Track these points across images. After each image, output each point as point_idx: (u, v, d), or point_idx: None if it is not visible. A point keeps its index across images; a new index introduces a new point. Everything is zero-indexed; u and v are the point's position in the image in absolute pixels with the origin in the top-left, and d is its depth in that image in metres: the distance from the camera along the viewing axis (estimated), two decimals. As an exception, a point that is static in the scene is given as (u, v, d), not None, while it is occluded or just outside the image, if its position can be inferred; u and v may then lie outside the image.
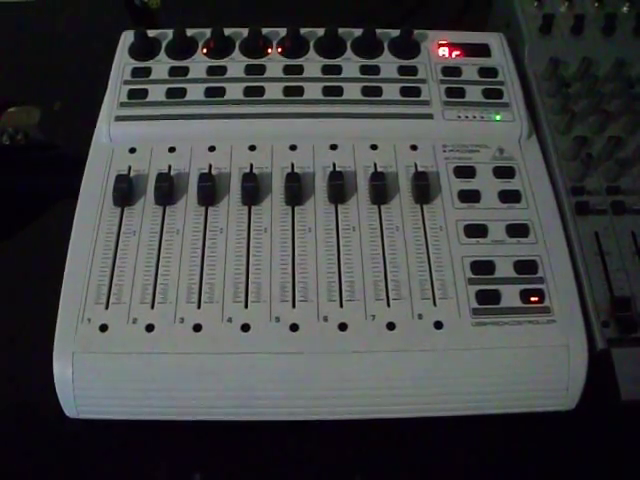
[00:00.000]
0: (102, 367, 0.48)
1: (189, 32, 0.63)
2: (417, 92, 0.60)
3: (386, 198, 0.55)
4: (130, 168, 0.56)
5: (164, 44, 0.63)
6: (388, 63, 0.62)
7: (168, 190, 0.54)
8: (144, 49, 0.62)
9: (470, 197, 0.55)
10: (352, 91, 0.60)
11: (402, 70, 0.62)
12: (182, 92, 0.59)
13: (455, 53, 0.63)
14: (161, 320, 0.49)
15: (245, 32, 0.63)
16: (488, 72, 0.62)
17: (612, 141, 0.58)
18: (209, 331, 0.49)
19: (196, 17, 0.75)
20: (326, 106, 0.59)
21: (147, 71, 0.61)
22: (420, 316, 0.50)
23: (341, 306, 0.50)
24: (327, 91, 0.60)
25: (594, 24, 0.66)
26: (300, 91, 0.60)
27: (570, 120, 0.60)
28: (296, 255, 0.52)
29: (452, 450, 0.51)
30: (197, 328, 0.49)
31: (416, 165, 0.57)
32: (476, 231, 0.54)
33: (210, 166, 0.56)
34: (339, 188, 0.54)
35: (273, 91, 0.59)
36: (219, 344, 0.48)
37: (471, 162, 0.57)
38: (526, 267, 0.52)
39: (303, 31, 0.63)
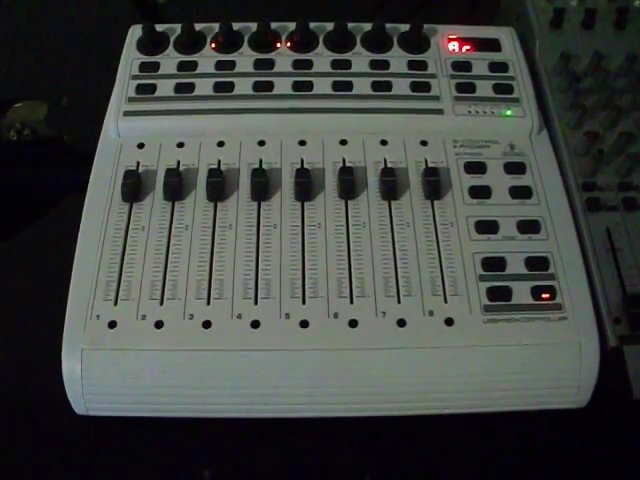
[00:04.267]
0: (111, 364, 0.48)
1: (197, 26, 0.62)
2: (427, 87, 0.60)
3: (396, 194, 0.54)
4: (139, 163, 0.56)
5: (172, 39, 0.62)
6: (398, 58, 0.61)
7: (177, 186, 0.54)
8: (152, 44, 0.62)
9: (481, 193, 0.55)
10: (362, 86, 0.59)
11: (412, 65, 0.61)
12: (191, 87, 0.59)
13: (465, 48, 0.63)
14: (170, 316, 0.49)
15: (254, 26, 0.62)
16: (498, 67, 0.61)
17: (624, 137, 0.58)
18: (218, 328, 0.48)
19: (204, 11, 0.75)
20: (336, 101, 0.58)
21: (155, 66, 0.60)
22: (431, 313, 0.49)
23: (351, 302, 0.50)
24: (336, 86, 0.59)
25: (605, 18, 0.65)
26: (309, 86, 0.59)
27: (581, 115, 0.59)
28: (306, 251, 0.52)
29: (463, 448, 0.50)
30: (206, 324, 0.48)
31: (426, 161, 0.57)
32: (487, 227, 0.53)
33: (219, 161, 0.56)
34: (349, 184, 0.54)
35: (282, 86, 0.59)
36: (229, 341, 0.48)
37: (482, 158, 0.57)
38: (537, 264, 0.52)
39: (312, 25, 0.62)
